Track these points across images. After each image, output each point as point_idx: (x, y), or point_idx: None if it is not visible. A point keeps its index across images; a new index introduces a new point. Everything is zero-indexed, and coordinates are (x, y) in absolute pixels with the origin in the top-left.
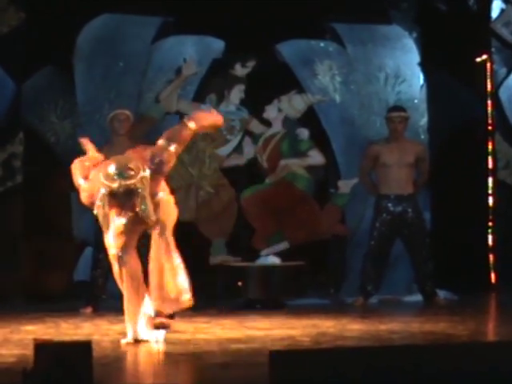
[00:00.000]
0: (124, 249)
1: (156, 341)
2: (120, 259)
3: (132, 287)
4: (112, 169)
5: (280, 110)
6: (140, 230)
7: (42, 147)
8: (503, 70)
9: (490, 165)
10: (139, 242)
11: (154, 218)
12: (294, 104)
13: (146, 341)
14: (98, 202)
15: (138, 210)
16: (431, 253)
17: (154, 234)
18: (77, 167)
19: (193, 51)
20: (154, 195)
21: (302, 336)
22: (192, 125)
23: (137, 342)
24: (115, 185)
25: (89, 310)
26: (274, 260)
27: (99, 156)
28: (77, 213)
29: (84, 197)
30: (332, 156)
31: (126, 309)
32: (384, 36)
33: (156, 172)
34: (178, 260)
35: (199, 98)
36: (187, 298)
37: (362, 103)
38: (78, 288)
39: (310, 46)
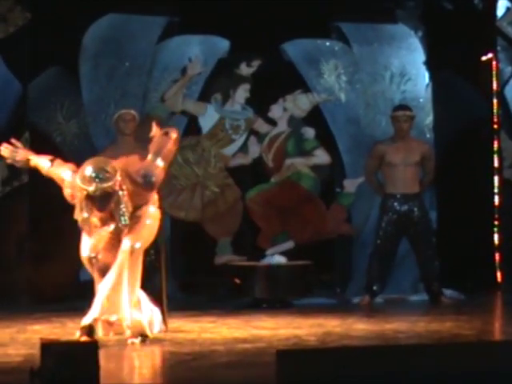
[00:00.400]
0: (96, 250)
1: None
2: (92, 260)
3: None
4: (89, 171)
5: (285, 110)
6: (116, 235)
7: (48, 147)
8: (509, 69)
9: (496, 163)
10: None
11: (128, 222)
12: (299, 103)
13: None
14: (77, 206)
15: (113, 212)
16: (437, 252)
17: (125, 245)
18: (59, 164)
19: (198, 51)
20: (137, 208)
21: (308, 335)
22: (174, 134)
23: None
24: (92, 188)
25: None
26: (280, 259)
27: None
28: None
29: (68, 194)
30: (337, 155)
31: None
32: (390, 35)
33: (146, 187)
34: (139, 292)
35: (204, 97)
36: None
37: (367, 102)
38: (84, 287)
39: (315, 45)
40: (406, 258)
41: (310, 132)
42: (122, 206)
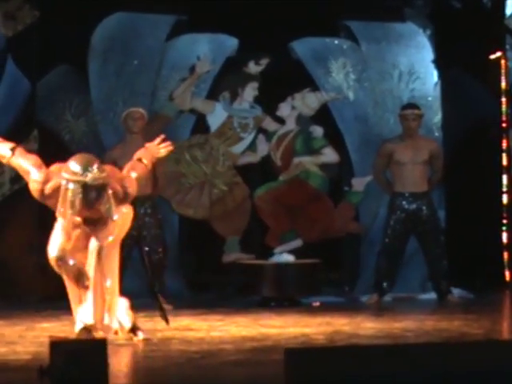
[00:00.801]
0: (65, 251)
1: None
2: (60, 260)
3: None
4: (76, 167)
5: (294, 108)
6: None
7: (57, 145)
8: None
9: (504, 162)
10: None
11: (115, 218)
12: (307, 102)
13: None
14: (61, 203)
15: (102, 207)
16: (445, 250)
17: (92, 245)
18: (21, 154)
19: (206, 49)
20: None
21: (317, 334)
22: (145, 161)
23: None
24: (89, 177)
25: None
26: (288, 258)
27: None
28: None
29: (35, 189)
30: (346, 154)
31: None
32: (398, 33)
33: (123, 198)
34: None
35: (213, 95)
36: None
37: (375, 101)
38: None
39: (324, 43)
40: (414, 257)
41: (318, 130)
42: (111, 200)
